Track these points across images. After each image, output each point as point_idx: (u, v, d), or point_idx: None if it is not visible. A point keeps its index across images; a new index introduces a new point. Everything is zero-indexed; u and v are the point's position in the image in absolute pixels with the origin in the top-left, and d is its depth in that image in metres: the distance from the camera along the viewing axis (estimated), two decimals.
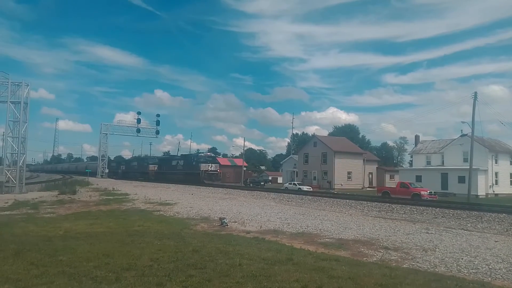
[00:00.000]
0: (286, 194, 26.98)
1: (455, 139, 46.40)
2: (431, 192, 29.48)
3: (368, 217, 15.58)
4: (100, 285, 5.35)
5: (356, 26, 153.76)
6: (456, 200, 26.94)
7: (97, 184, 40.50)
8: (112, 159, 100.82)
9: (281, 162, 71.63)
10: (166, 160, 62.01)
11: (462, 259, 7.86)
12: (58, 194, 25.56)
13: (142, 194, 26.45)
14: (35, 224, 12.52)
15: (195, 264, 6.51)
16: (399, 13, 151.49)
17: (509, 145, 48.21)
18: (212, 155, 54.71)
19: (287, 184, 47.58)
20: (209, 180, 44.59)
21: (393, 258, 7.94)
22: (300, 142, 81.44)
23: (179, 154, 71.64)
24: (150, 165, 61.53)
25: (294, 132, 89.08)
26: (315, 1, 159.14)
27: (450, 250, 8.74)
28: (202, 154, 50.76)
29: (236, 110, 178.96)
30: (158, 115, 76.92)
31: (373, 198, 23.78)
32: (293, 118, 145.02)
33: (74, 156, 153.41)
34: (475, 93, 36.51)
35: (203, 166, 46.17)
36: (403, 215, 16.49)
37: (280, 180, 67.91)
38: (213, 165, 47.46)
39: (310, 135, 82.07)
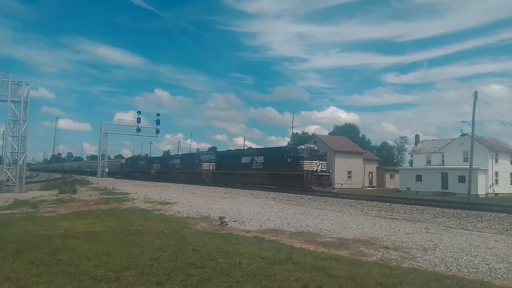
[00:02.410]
0: (286, 194, 26.94)
1: (456, 138, 46.40)
2: None
3: (368, 217, 15.56)
4: (100, 284, 5.36)
5: (356, 26, 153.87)
6: (456, 200, 26.93)
7: (97, 183, 40.50)
8: (151, 156, 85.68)
9: None
10: (230, 156, 43.95)
11: (462, 258, 7.85)
12: (58, 193, 25.57)
13: (142, 193, 26.45)
14: (35, 223, 12.52)
15: (195, 263, 6.51)
16: (399, 13, 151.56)
17: (509, 145, 48.22)
18: (316, 148, 35.33)
19: None
20: (318, 186, 29.24)
21: (393, 257, 7.94)
22: (300, 142, 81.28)
23: (258, 147, 49.16)
24: (204, 163, 45.83)
25: (294, 132, 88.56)
26: (315, 1, 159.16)
27: (450, 250, 8.73)
28: (303, 147, 33.19)
29: (236, 110, 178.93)
30: (158, 115, 76.63)
31: (373, 198, 23.78)
32: (293, 118, 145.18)
33: (74, 155, 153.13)
34: (476, 92, 36.59)
35: (308, 165, 29.90)
36: (403, 215, 16.48)
37: None
38: (322, 163, 30.99)
39: (310, 134, 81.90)
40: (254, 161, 37.09)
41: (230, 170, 40.00)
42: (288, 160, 32.04)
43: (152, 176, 56.73)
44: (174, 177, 50.30)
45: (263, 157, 36.23)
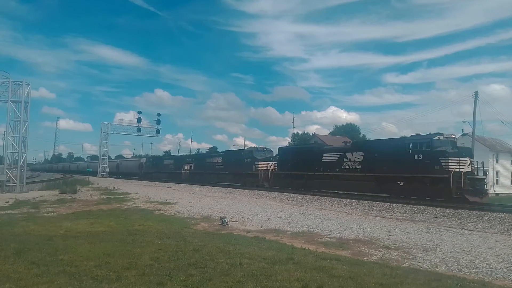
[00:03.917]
0: (286, 194, 26.94)
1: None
2: None
3: (368, 216, 15.55)
4: (100, 284, 5.36)
5: (356, 26, 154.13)
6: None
7: (97, 184, 40.50)
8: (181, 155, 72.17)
9: None
10: (302, 153, 31.69)
11: (462, 258, 7.85)
12: (59, 194, 25.58)
13: (142, 193, 26.45)
14: (35, 223, 12.52)
15: (196, 263, 6.52)
16: (399, 13, 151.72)
17: (510, 144, 48.19)
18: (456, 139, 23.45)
19: None
20: (475, 195, 19.47)
21: (393, 257, 7.94)
22: (301, 142, 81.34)
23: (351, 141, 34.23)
24: (260, 162, 35.69)
25: (295, 132, 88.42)
26: (315, 1, 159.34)
27: (451, 250, 8.72)
28: (441, 138, 21.45)
29: (236, 110, 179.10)
30: (158, 115, 76.50)
31: (374, 198, 23.74)
32: (293, 118, 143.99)
33: (75, 155, 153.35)
34: (476, 92, 36.71)
35: (455, 163, 19.86)
36: (404, 214, 16.47)
37: None
38: (472, 161, 20.91)
39: (311, 134, 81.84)
40: (345, 159, 26.73)
41: (303, 171, 30.18)
42: (416, 156, 21.64)
43: (183, 178, 47.72)
44: (214, 179, 41.79)
45: (362, 154, 25.79)
